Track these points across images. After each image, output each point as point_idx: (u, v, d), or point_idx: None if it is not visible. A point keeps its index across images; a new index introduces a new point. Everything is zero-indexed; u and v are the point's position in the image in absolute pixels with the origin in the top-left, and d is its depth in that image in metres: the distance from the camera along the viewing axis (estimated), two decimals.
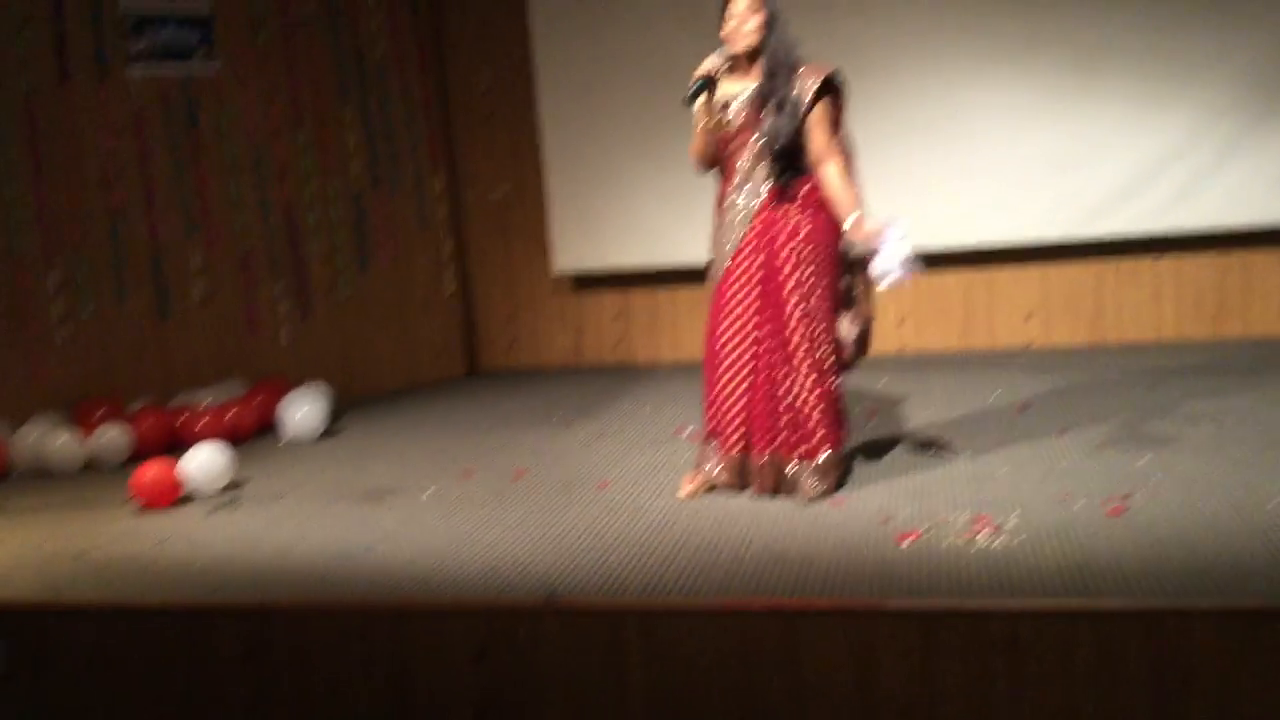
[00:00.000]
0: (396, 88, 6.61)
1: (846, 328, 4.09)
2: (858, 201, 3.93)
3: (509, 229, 6.97)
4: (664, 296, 6.80)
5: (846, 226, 3.90)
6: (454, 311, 6.96)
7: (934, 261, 6.30)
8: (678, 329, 6.80)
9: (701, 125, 3.96)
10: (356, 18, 6.44)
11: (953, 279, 6.41)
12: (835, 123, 4.00)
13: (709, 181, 5.90)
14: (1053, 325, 6.35)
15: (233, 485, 4.69)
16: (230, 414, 5.45)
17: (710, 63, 3.97)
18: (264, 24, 6.15)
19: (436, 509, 4.24)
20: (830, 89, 3.95)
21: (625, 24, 6.42)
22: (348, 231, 6.50)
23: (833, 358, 4.02)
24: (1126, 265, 6.24)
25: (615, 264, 6.72)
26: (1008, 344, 6.39)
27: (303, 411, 5.45)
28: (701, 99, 3.92)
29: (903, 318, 6.49)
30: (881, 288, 3.89)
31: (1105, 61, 5.96)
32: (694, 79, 3.93)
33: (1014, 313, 6.40)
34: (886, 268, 3.78)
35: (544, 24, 6.57)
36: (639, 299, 6.86)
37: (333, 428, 5.63)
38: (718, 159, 4.07)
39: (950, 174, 6.17)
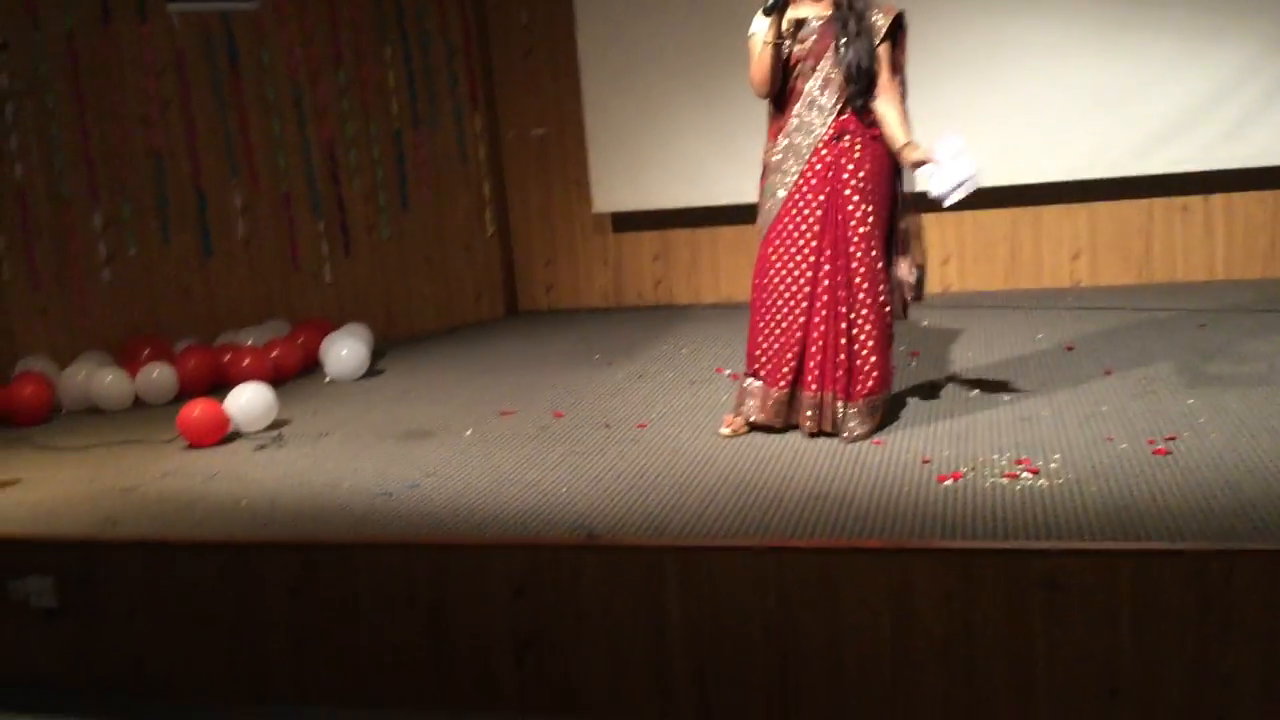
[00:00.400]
0: (435, 25, 6.56)
1: (906, 270, 4.07)
2: (910, 132, 3.91)
3: (548, 168, 6.94)
4: (704, 236, 6.76)
5: (901, 149, 3.87)
6: (493, 252, 6.96)
7: (978, 199, 6.24)
8: (717, 269, 6.76)
9: (768, 38, 3.91)
10: None
11: (998, 218, 6.31)
12: (897, 64, 3.99)
13: (750, 119, 5.82)
14: (1100, 264, 6.25)
15: (277, 424, 4.75)
16: (274, 353, 5.51)
17: None
18: None
19: (477, 448, 4.27)
20: (898, 28, 3.95)
21: None
22: (388, 170, 6.50)
23: (888, 296, 3.99)
24: (1176, 203, 6.11)
25: (655, 203, 6.68)
26: (1054, 283, 6.30)
27: (345, 351, 5.50)
28: (776, 13, 3.88)
29: (947, 257, 6.42)
30: (946, 204, 3.86)
31: None
32: None
33: (1061, 252, 6.30)
34: (946, 184, 3.78)
35: None
36: (679, 239, 6.82)
37: (375, 367, 5.68)
38: (778, 83, 4.01)
39: (994, 110, 6.04)
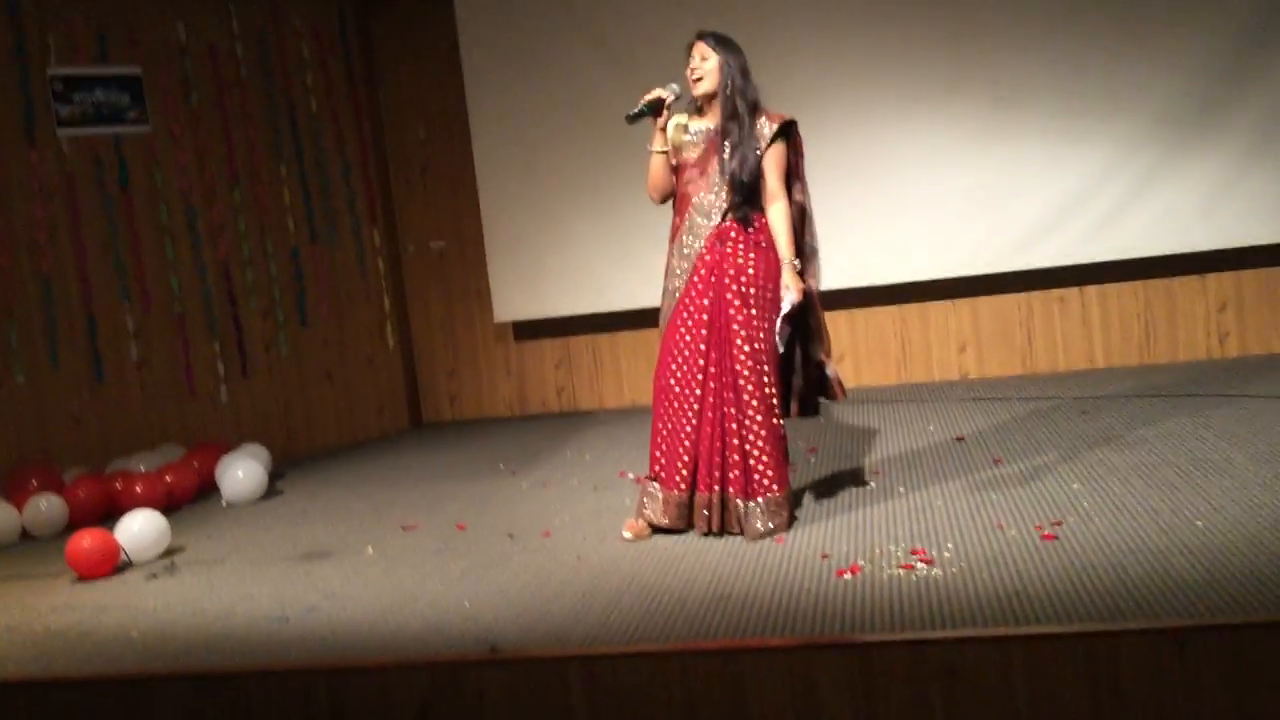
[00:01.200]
0: (332, 142, 6.64)
1: (832, 367, 4.20)
2: (797, 250, 4.06)
3: (448, 280, 6.99)
4: (605, 342, 6.85)
5: (786, 263, 4.02)
6: (396, 365, 6.96)
7: (868, 298, 6.47)
8: (619, 373, 6.84)
9: (654, 146, 4.08)
10: (290, 75, 6.47)
11: (888, 315, 6.53)
12: (791, 170, 4.13)
13: (646, 226, 5.99)
14: (986, 357, 6.47)
15: (171, 551, 4.63)
16: (168, 479, 5.39)
17: (661, 91, 4.08)
18: (196, 83, 6.16)
19: (379, 565, 4.21)
20: (787, 136, 4.09)
21: (556, 73, 6.52)
22: (286, 288, 6.49)
23: (777, 397, 4.07)
24: (1055, 296, 6.39)
25: (555, 311, 6.77)
26: (944, 376, 6.51)
27: (241, 473, 5.41)
28: (647, 120, 4.06)
29: (842, 354, 6.59)
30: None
31: (1025, 100, 6.14)
32: (643, 100, 4.06)
33: (948, 346, 6.52)
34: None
35: (477, 76, 6.64)
36: (580, 345, 6.90)
37: (273, 488, 5.59)
38: (672, 190, 4.16)
39: (880, 212, 6.30)
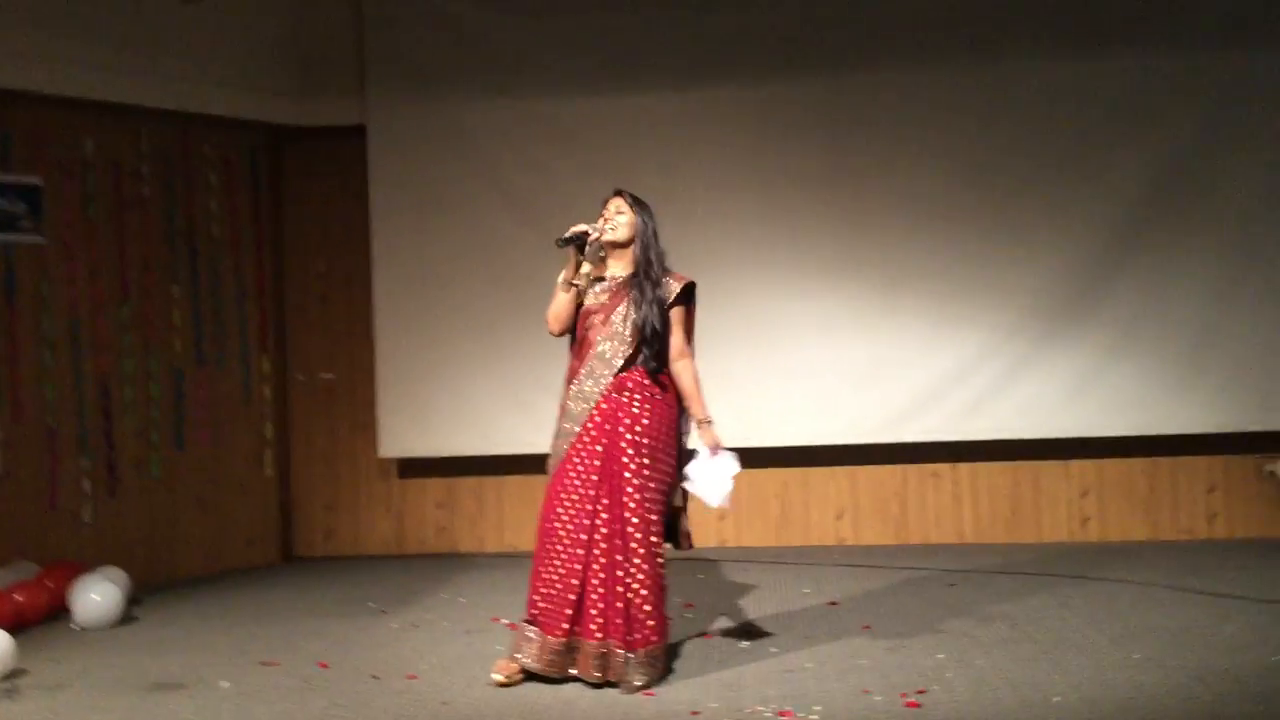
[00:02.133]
0: (230, 267, 6.61)
1: (684, 519, 4.27)
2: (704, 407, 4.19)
3: (334, 411, 6.93)
4: (490, 485, 6.82)
5: (695, 423, 4.15)
6: (271, 494, 6.80)
7: (751, 459, 6.58)
8: (502, 518, 6.80)
9: (565, 278, 4.18)
10: (194, 197, 6.48)
11: (770, 477, 6.65)
12: (687, 329, 4.29)
13: (539, 372, 6.06)
14: (862, 524, 6.62)
15: (13, 674, 4.38)
16: (17, 597, 5.13)
17: (587, 226, 4.20)
18: (97, 198, 6.12)
19: (233, 701, 4.05)
20: (688, 296, 4.26)
21: (461, 218, 6.64)
22: (165, 408, 6.34)
23: (661, 546, 4.11)
24: (928, 470, 6.60)
25: (442, 450, 6.73)
26: (821, 541, 6.62)
27: (96, 596, 5.18)
28: (573, 248, 4.18)
29: (723, 513, 6.65)
30: (700, 497, 4.14)
31: (910, 283, 6.45)
32: (572, 230, 4.18)
33: (827, 511, 6.66)
34: (707, 486, 4.12)
35: (383, 213, 6.73)
36: (465, 487, 6.86)
37: (130, 614, 5.36)
38: (571, 328, 4.25)
39: (768, 377, 6.48)
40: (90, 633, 5.10)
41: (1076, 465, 6.52)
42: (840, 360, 6.49)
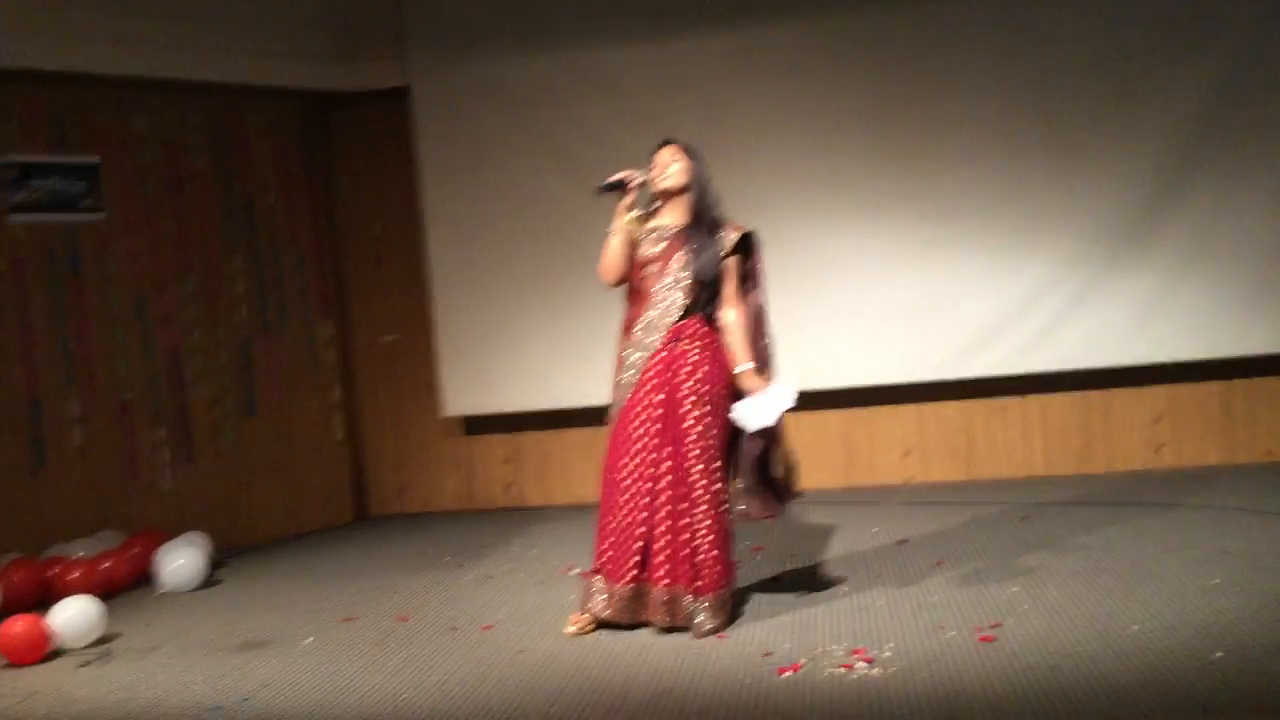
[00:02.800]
0: (286, 235, 6.69)
1: (782, 470, 4.24)
2: (754, 354, 4.14)
3: (398, 373, 7.01)
4: (554, 439, 6.87)
5: (738, 372, 4.11)
6: (342, 457, 6.92)
7: (815, 401, 6.57)
8: (568, 470, 6.85)
9: (617, 225, 4.16)
10: (248, 169, 6.55)
11: (834, 418, 6.62)
12: (749, 278, 4.25)
13: (597, 324, 6.06)
14: (929, 462, 6.57)
15: (106, 638, 4.53)
16: (105, 565, 5.30)
17: (629, 173, 4.17)
18: (153, 173, 6.21)
19: (316, 656, 4.15)
20: (746, 246, 4.22)
21: (511, 174, 6.64)
22: (234, 377, 6.47)
23: (726, 494, 4.12)
24: (995, 404, 6.52)
25: (505, 407, 6.79)
26: (888, 480, 6.59)
27: (179, 562, 5.33)
28: (617, 195, 4.15)
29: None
30: (741, 424, 4.08)
31: (968, 214, 6.34)
32: (614, 177, 4.15)
33: (893, 450, 6.61)
34: (754, 418, 4.02)
35: (433, 174, 6.75)
36: (529, 442, 6.91)
37: (212, 577, 5.50)
38: (627, 278, 4.22)
39: (827, 318, 6.42)
40: (176, 596, 5.26)
41: (1148, 391, 6.40)
42: (899, 297, 6.41)
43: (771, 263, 6.40)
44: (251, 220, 6.55)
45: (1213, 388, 6.35)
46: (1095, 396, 6.44)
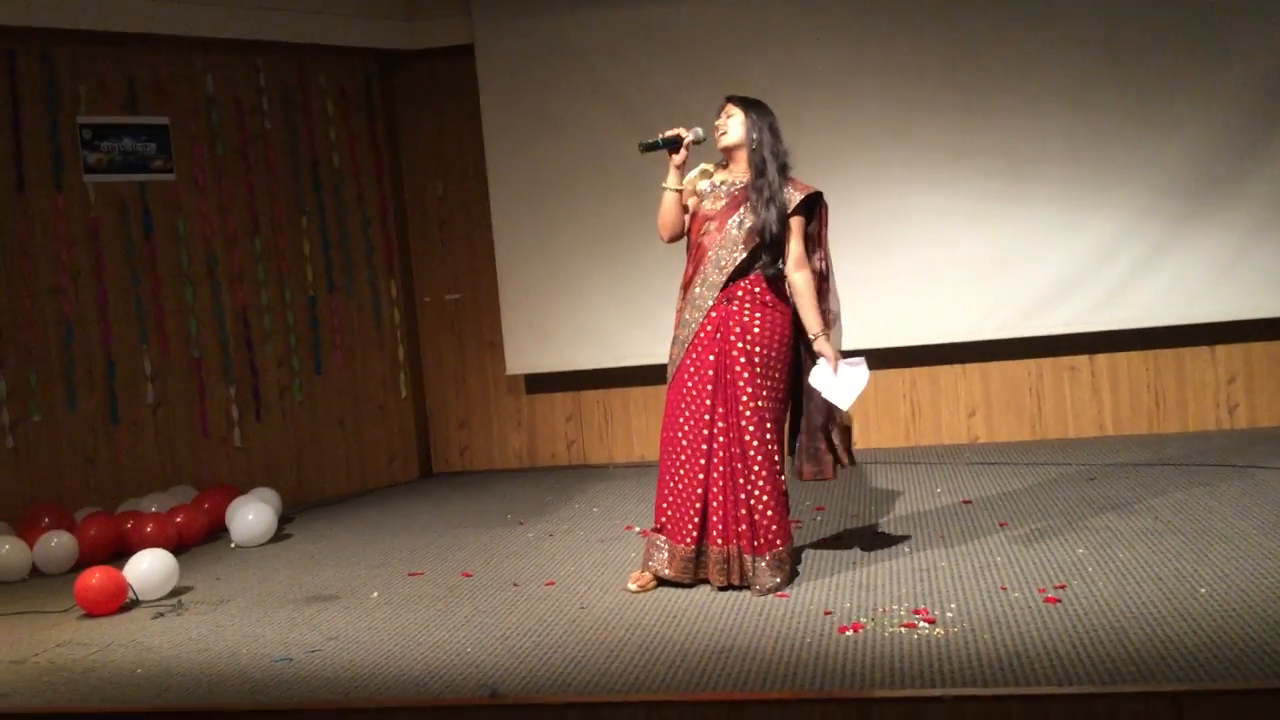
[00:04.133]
0: (352, 195, 6.75)
1: (838, 434, 4.21)
2: (822, 318, 4.09)
3: (462, 332, 7.07)
4: (616, 397, 6.89)
5: (814, 338, 4.06)
6: (408, 415, 7.01)
7: (879, 360, 6.51)
8: (629, 429, 6.87)
9: (668, 184, 4.13)
10: (314, 129, 6.61)
11: (898, 377, 6.56)
12: (816, 239, 4.18)
13: (657, 284, 6.06)
14: (995, 422, 6.49)
15: (178, 591, 4.66)
16: (178, 520, 5.43)
17: (682, 130, 4.13)
18: (222, 134, 6.29)
19: (383, 610, 4.23)
20: (813, 206, 4.14)
21: (574, 132, 6.63)
22: (302, 336, 6.57)
23: (780, 455, 4.10)
24: (1064, 363, 6.42)
25: (567, 365, 6.82)
26: (953, 440, 6.52)
27: (251, 516, 5.45)
28: (663, 155, 4.11)
29: (851, 415, 6.60)
30: (829, 399, 4.06)
31: (1035, 169, 6.22)
32: (662, 134, 4.12)
33: (958, 410, 6.54)
34: (832, 390, 4.01)
35: (496, 133, 6.76)
36: (591, 400, 6.95)
37: (282, 532, 5.62)
38: (683, 234, 4.20)
39: (892, 276, 6.35)
40: (247, 550, 5.38)
41: (1223, 350, 6.26)
42: (967, 254, 6.31)
43: (836, 219, 6.37)
44: (318, 180, 6.62)
45: None
46: (1167, 355, 6.31)
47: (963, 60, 6.25)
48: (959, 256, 6.32)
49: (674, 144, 4.13)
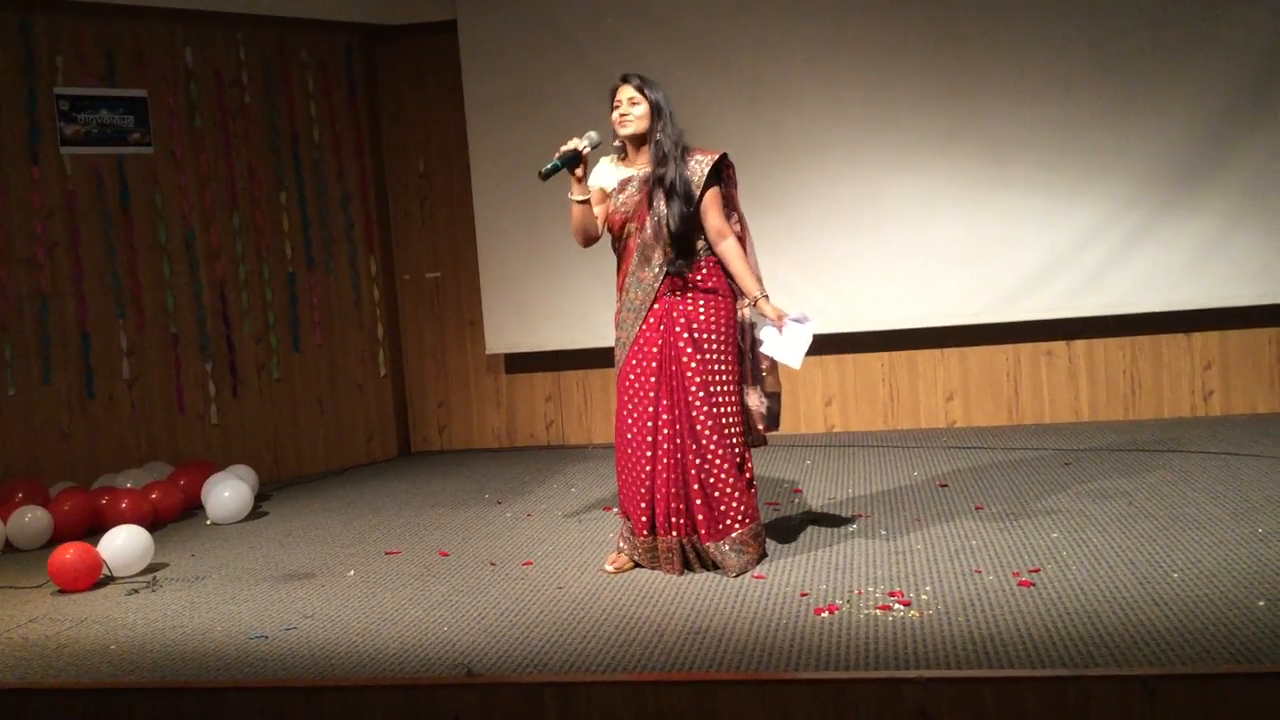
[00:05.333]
0: (332, 171, 6.70)
1: (756, 401, 4.11)
2: (758, 278, 4.03)
3: (442, 310, 7.04)
4: (595, 377, 6.88)
5: (750, 302, 4.01)
6: (386, 393, 6.98)
7: (858, 343, 6.53)
8: (609, 410, 6.86)
9: (572, 195, 4.04)
10: (293, 103, 6.55)
11: (876, 361, 6.58)
12: (729, 202, 4.09)
13: None
14: (973, 406, 6.52)
15: (153, 567, 4.64)
16: (153, 496, 5.41)
17: (576, 142, 4.02)
18: (200, 107, 6.23)
19: (359, 589, 4.22)
20: (720, 172, 4.04)
21: (557, 110, 6.58)
22: (280, 312, 6.52)
23: (740, 435, 4.08)
24: (1041, 348, 6.44)
25: (547, 345, 6.80)
26: (930, 424, 6.55)
27: (227, 493, 5.42)
28: (564, 173, 4.00)
29: (830, 398, 6.63)
30: (780, 361, 4.00)
31: (1018, 155, 6.23)
32: (558, 153, 3.99)
33: (936, 394, 6.56)
34: (781, 351, 3.93)
35: (478, 111, 6.72)
36: (570, 380, 6.94)
37: (258, 509, 5.60)
38: (596, 235, 4.12)
39: (873, 258, 6.36)
40: (223, 528, 5.36)
41: (1199, 337, 6.30)
42: (947, 238, 6.32)
43: (817, 201, 6.40)
44: (297, 156, 6.57)
45: (1265, 334, 6.24)
46: (1144, 342, 6.34)
47: (948, 47, 6.25)
48: (939, 241, 6.33)
49: (572, 160, 3.98)
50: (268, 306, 6.47)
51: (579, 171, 4.01)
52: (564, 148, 3.99)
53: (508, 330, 6.82)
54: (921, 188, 6.34)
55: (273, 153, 6.48)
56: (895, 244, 6.36)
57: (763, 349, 4.02)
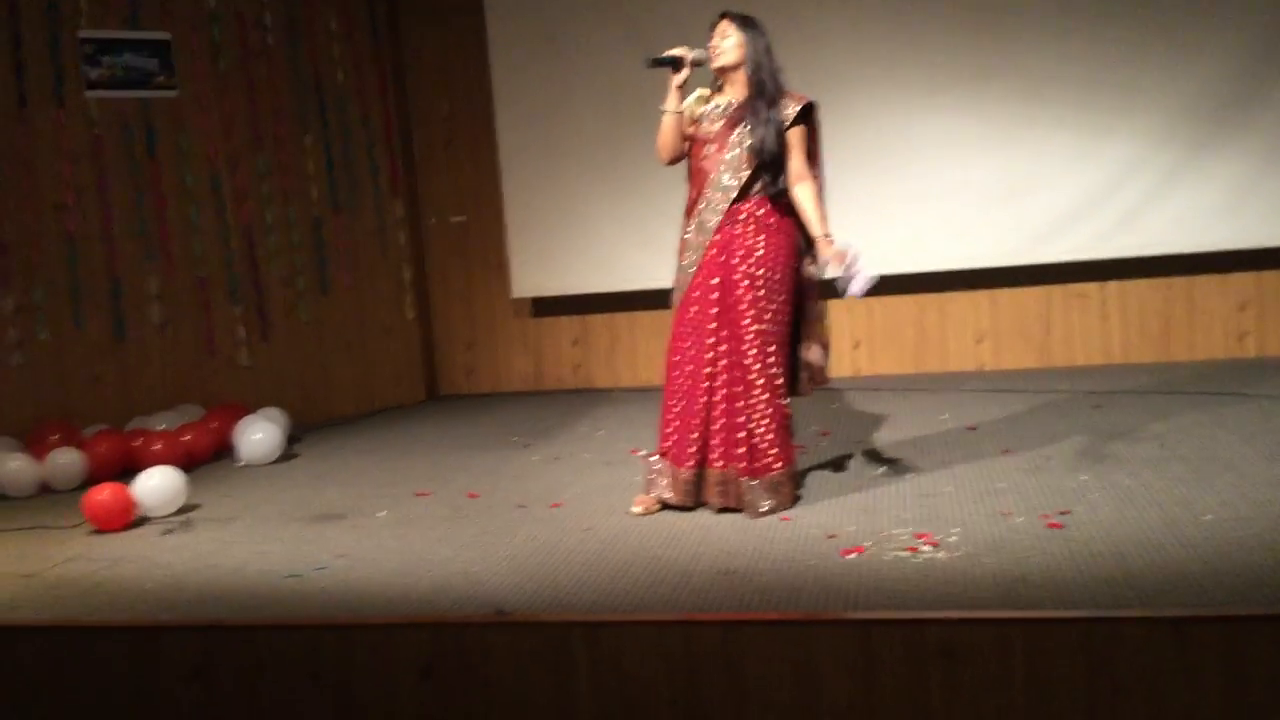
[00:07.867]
0: (357, 114, 6.67)
1: (818, 355, 4.21)
2: (826, 224, 4.04)
3: (468, 254, 7.03)
4: (622, 320, 6.87)
5: (818, 241, 4.01)
6: (413, 336, 7.00)
7: (887, 286, 6.46)
8: (635, 353, 6.87)
9: (667, 106, 4.07)
10: (317, 45, 6.51)
11: (905, 303, 6.52)
12: (811, 152, 4.13)
13: (664, 207, 5.97)
14: (1003, 349, 6.47)
15: (187, 508, 4.70)
16: (186, 438, 5.46)
17: (684, 49, 4.06)
18: (224, 50, 6.20)
19: (390, 529, 4.26)
20: (809, 117, 4.09)
21: (581, 52, 6.52)
22: (307, 256, 6.53)
23: (783, 378, 4.09)
24: (1074, 290, 6.37)
25: (573, 288, 6.79)
26: (959, 367, 6.51)
27: (259, 435, 5.47)
28: (669, 71, 4.04)
29: (858, 341, 6.60)
30: (859, 295, 3.96)
31: (1051, 92, 6.11)
32: (668, 52, 4.04)
33: (965, 336, 6.51)
34: (857, 285, 3.90)
35: (502, 52, 6.66)
36: (597, 323, 6.93)
37: (289, 451, 5.65)
38: (682, 156, 4.16)
39: (902, 199, 6.29)
40: (254, 469, 5.41)
41: (1234, 278, 6.20)
42: (978, 179, 6.24)
43: (845, 143, 6.29)
44: (322, 98, 6.53)
45: None
46: (1178, 283, 6.26)
47: None
48: (971, 181, 6.25)
49: (677, 63, 4.06)
50: (295, 249, 6.48)
51: (678, 79, 4.07)
52: (673, 50, 4.05)
53: (534, 273, 6.80)
54: (952, 128, 6.25)
55: (296, 95, 6.45)
56: (925, 185, 6.28)
57: (850, 289, 3.94)
